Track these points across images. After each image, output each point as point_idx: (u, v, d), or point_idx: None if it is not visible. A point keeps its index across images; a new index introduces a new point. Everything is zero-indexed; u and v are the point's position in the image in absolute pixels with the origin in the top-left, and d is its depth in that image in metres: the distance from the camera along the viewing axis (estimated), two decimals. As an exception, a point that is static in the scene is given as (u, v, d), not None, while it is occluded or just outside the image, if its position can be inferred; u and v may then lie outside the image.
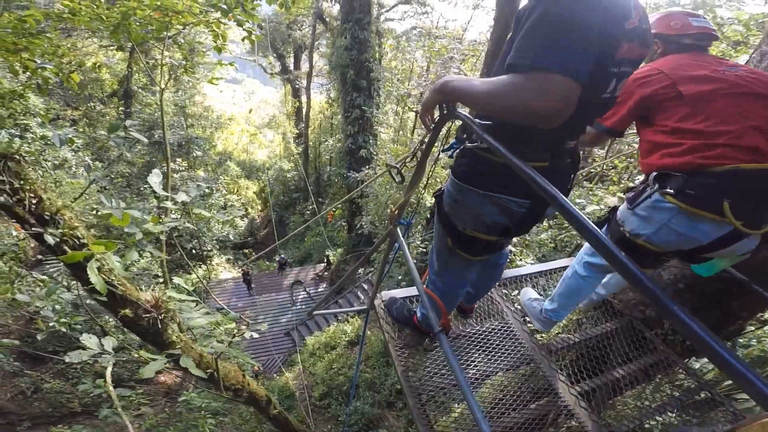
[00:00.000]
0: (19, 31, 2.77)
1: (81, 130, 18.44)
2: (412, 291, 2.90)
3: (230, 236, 20.64)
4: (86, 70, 17.80)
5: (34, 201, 3.35)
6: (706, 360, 2.79)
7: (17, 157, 3.28)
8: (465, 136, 1.45)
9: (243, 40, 3.40)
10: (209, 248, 18.96)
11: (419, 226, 9.45)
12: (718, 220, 1.42)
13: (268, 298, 16.01)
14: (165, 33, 3.62)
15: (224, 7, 3.20)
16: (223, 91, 29.01)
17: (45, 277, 6.27)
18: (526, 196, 1.35)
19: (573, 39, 0.94)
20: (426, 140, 1.49)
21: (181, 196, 3.36)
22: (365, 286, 13.51)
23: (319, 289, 16.34)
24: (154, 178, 3.11)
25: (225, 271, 19.54)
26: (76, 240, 3.38)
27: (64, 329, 3.43)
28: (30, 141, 14.19)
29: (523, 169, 0.94)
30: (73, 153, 16.07)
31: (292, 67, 25.56)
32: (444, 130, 1.46)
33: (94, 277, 2.55)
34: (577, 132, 1.36)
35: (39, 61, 2.59)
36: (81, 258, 2.86)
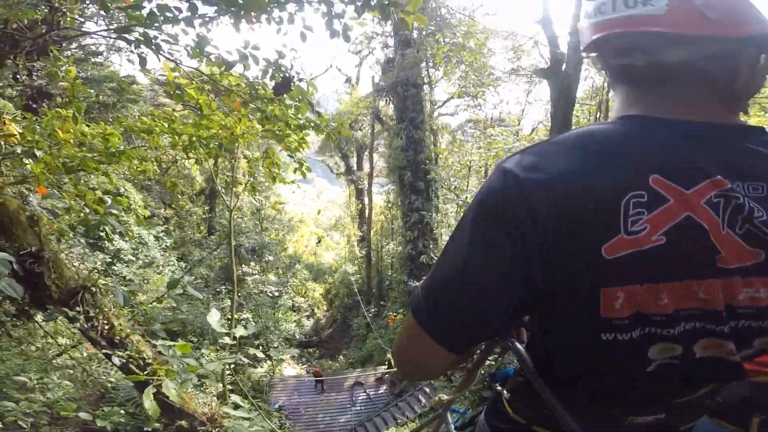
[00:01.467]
0: (102, 152, 3.09)
1: (171, 228, 20.51)
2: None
3: (296, 335, 21.11)
4: (180, 167, 19.97)
5: (106, 327, 3.70)
6: None
7: (93, 288, 3.67)
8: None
9: (294, 171, 3.65)
10: (276, 345, 19.37)
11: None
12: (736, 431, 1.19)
13: (329, 397, 15.65)
14: (236, 148, 4.01)
15: (278, 133, 3.40)
16: (295, 191, 31.44)
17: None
18: None
19: (457, 289, 0.70)
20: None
21: (240, 331, 3.56)
22: (426, 389, 13.19)
23: (380, 391, 15.74)
24: (214, 318, 3.33)
25: (289, 367, 19.63)
26: (141, 361, 3.63)
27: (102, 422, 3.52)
28: (128, 239, 16.09)
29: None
30: (162, 252, 17.73)
31: (355, 167, 26.55)
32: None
33: (147, 403, 2.65)
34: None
35: (111, 199, 2.95)
36: (142, 379, 3.05)
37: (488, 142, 11.36)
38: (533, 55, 11.80)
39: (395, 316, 19.45)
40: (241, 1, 2.27)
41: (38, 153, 2.36)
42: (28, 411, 3.27)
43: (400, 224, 17.57)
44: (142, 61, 2.36)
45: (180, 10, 2.23)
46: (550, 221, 0.61)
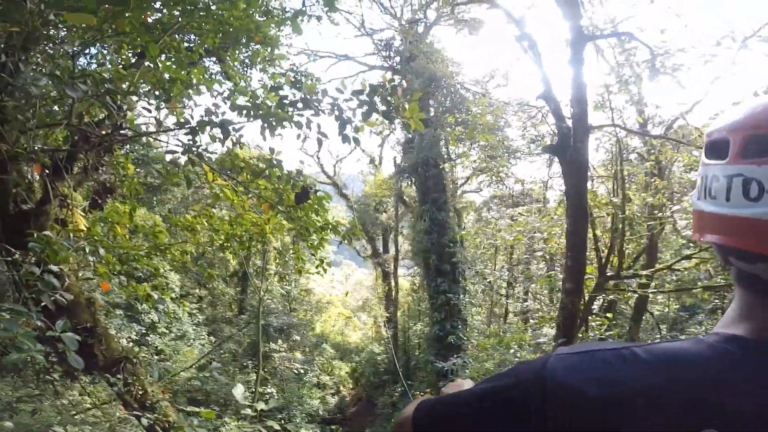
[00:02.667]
0: (151, 247, 3.62)
1: (205, 306, 21.26)
2: None
3: (320, 411, 20.62)
4: (215, 250, 20.99)
5: (140, 392, 4.11)
6: None
7: (134, 360, 4.13)
8: None
9: (316, 267, 4.08)
10: (297, 420, 18.89)
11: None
12: None
13: None
14: (263, 246, 4.51)
15: (302, 232, 3.85)
16: (323, 275, 31.82)
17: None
18: None
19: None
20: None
21: (261, 405, 3.86)
22: None
23: None
24: (238, 391, 3.67)
25: (311, 445, 18.82)
26: (167, 423, 3.97)
27: None
28: (164, 314, 16.88)
29: None
30: (194, 327, 18.31)
31: (381, 249, 26.42)
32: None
33: None
34: None
35: (158, 294, 3.43)
36: None
37: (509, 225, 11.33)
38: (546, 127, 11.64)
39: (421, 395, 18.58)
40: (270, 117, 2.86)
41: (101, 251, 2.90)
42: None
43: (427, 305, 17.12)
44: (189, 183, 2.95)
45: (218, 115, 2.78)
46: None
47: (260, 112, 2.67)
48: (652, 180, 8.16)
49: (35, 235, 2.50)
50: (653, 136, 8.31)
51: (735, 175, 0.59)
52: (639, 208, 8.38)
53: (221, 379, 3.37)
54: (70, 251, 2.59)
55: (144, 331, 14.89)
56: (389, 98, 2.87)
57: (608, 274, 6.86)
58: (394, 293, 23.87)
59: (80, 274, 3.61)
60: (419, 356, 20.98)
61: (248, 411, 3.39)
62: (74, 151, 3.43)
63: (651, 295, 9.53)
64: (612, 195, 8.09)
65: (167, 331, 16.13)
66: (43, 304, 2.66)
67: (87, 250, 2.85)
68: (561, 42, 7.99)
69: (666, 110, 9.56)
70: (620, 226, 7.31)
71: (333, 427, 21.55)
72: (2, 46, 2.63)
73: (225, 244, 3.65)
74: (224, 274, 22.54)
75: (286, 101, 2.79)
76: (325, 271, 4.05)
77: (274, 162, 3.06)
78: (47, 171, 3.15)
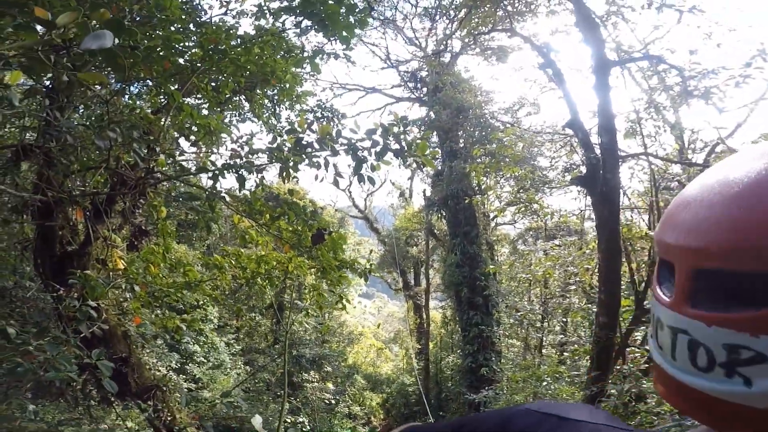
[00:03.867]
0: (182, 284, 3.80)
1: (242, 336, 21.76)
2: None
3: None
4: (251, 284, 21.80)
5: (169, 418, 4.26)
6: None
7: (164, 388, 4.31)
8: None
9: (336, 303, 4.21)
10: None
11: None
12: None
13: None
14: (292, 281, 4.63)
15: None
16: (356, 306, 31.93)
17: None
18: None
19: None
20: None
21: None
22: None
23: None
24: (257, 421, 3.76)
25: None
26: None
27: None
28: (202, 344, 17.43)
29: None
30: (231, 357, 18.72)
31: (412, 282, 26.33)
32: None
33: None
34: None
35: (186, 326, 3.61)
36: None
37: (539, 259, 10.97)
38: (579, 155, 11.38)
39: None
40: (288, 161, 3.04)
41: (137, 288, 3.13)
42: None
43: (459, 337, 16.70)
44: (209, 230, 3.16)
45: (239, 163, 2.97)
46: None
47: (277, 155, 2.83)
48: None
49: (77, 274, 2.72)
50: (685, 163, 7.98)
51: (679, 330, 0.44)
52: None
53: (243, 406, 3.45)
54: (107, 288, 2.80)
55: (183, 360, 15.42)
56: (401, 137, 2.97)
57: (646, 306, 6.58)
58: (425, 325, 23.59)
59: (124, 305, 3.86)
60: (451, 388, 20.49)
61: None
62: (113, 194, 3.74)
63: None
64: (649, 227, 7.74)
65: (205, 360, 16.62)
66: (83, 335, 2.88)
67: (124, 287, 3.06)
68: (587, 67, 7.75)
69: (706, 134, 9.04)
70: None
71: None
72: (44, 93, 2.92)
73: (250, 281, 3.83)
74: (261, 306, 23.11)
75: (303, 143, 2.94)
76: (344, 307, 4.16)
77: (292, 203, 3.21)
78: (89, 214, 3.37)
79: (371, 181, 3.23)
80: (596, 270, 7.06)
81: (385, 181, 23.37)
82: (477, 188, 16.57)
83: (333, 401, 21.02)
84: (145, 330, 2.91)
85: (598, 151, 6.53)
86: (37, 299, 3.50)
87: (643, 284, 6.96)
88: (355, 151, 3.07)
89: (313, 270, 3.89)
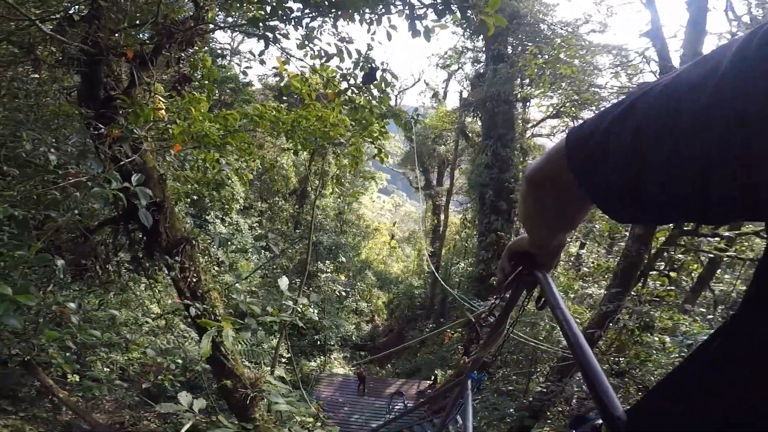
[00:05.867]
0: (222, 127, 3.77)
1: (264, 221, 22.59)
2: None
3: (353, 337, 21.92)
4: (279, 168, 22.12)
5: (194, 279, 4.29)
6: None
7: (194, 242, 4.28)
8: None
9: (374, 157, 4.09)
10: (332, 343, 20.32)
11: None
12: None
13: (367, 400, 15.92)
14: (327, 144, 4.48)
15: (364, 122, 3.81)
16: (375, 201, 32.42)
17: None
18: None
19: None
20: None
21: (303, 300, 4.03)
22: (458, 418, 12.74)
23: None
24: (283, 283, 3.85)
25: (339, 366, 20.34)
26: (213, 314, 4.18)
27: (168, 384, 4.06)
28: (227, 225, 18.21)
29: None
30: (253, 241, 19.57)
31: (435, 182, 26.37)
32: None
33: (205, 342, 3.16)
34: None
35: (225, 160, 3.56)
36: (209, 326, 3.59)
37: None
38: (643, 73, 10.51)
39: (452, 334, 19.25)
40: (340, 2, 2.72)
41: (177, 121, 3.01)
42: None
43: (475, 243, 16.97)
44: (266, 42, 2.91)
45: (291, 10, 2.73)
46: None
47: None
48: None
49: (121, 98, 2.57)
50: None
51: None
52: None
53: (274, 249, 3.51)
54: (150, 108, 2.69)
55: (209, 242, 16.34)
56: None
57: (685, 227, 6.29)
58: (442, 228, 23.89)
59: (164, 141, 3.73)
60: (457, 294, 21.35)
61: (289, 303, 3.54)
62: (159, 44, 3.66)
63: (717, 273, 8.81)
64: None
65: (230, 244, 17.39)
66: (122, 164, 2.82)
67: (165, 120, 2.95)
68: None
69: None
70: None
71: (362, 353, 23.10)
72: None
73: (291, 130, 3.65)
74: (285, 191, 23.58)
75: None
76: (382, 160, 4.02)
77: (344, 48, 2.94)
78: (135, 63, 3.36)
79: (427, 37, 2.92)
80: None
81: (418, 80, 22.50)
82: (520, 93, 15.92)
83: (344, 293, 22.32)
84: (184, 156, 2.84)
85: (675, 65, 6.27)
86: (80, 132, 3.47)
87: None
88: (412, 9, 2.76)
89: (354, 125, 3.66)
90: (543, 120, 17.69)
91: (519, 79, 16.09)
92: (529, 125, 18.48)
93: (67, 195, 2.38)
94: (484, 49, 18.02)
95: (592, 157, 0.50)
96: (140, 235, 4.04)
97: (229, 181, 14.30)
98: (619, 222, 0.61)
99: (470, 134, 21.10)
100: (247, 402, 4.02)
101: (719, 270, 9.19)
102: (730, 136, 0.35)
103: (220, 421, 2.58)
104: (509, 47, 16.51)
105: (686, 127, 0.38)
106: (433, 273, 22.56)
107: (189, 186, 4.86)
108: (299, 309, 3.90)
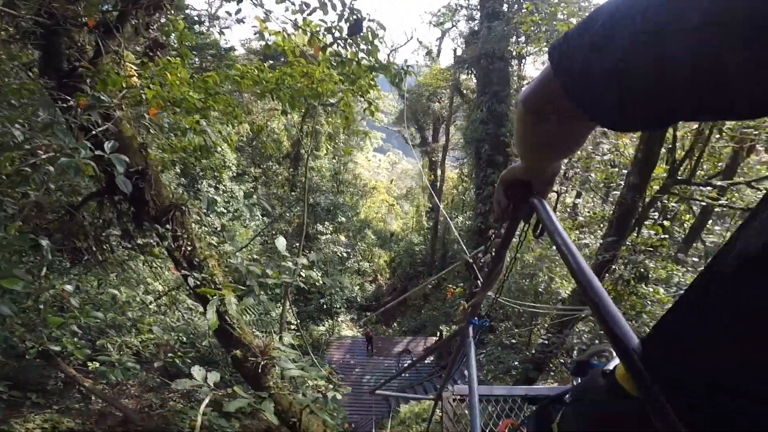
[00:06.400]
0: (202, 90, 3.55)
1: (259, 187, 22.36)
2: (494, 389, 2.87)
3: (358, 298, 22.28)
4: (270, 132, 21.70)
5: (189, 248, 4.17)
6: None
7: (183, 208, 4.14)
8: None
9: (364, 111, 3.93)
10: (338, 306, 20.63)
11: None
12: None
13: (377, 360, 16.43)
14: (316, 102, 4.24)
15: (352, 76, 3.62)
16: (371, 160, 32.15)
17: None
18: None
19: None
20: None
21: (302, 260, 3.97)
22: (466, 371, 13.15)
23: (426, 361, 16.29)
24: (281, 243, 3.79)
25: (347, 328, 20.79)
26: (213, 284, 4.11)
27: (179, 361, 4.06)
28: (221, 192, 17.94)
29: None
30: (249, 208, 19.40)
31: (430, 139, 26.43)
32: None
33: (210, 313, 3.13)
34: None
35: (206, 122, 3.39)
36: (210, 295, 3.54)
37: None
38: None
39: (454, 289, 19.65)
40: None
41: (151, 86, 2.82)
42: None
43: (473, 197, 17.18)
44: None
45: None
46: None
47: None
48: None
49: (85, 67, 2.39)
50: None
51: None
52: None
53: (267, 207, 3.43)
54: (121, 77, 2.52)
55: (204, 211, 16.14)
56: None
57: (679, 177, 6.26)
58: (439, 183, 23.94)
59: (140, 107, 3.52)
60: (457, 249, 21.62)
61: (289, 264, 3.48)
62: (124, 11, 3.45)
63: (708, 224, 8.89)
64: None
65: (225, 211, 17.18)
66: (93, 133, 2.67)
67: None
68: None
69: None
70: (709, 128, 6.40)
71: (368, 313, 23.60)
72: None
73: (276, 88, 3.45)
74: (278, 155, 23.25)
75: None
76: (372, 114, 3.87)
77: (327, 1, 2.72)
78: (98, 31, 3.18)
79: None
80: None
81: (411, 38, 21.91)
82: (515, 50, 15.83)
83: (345, 254, 22.45)
84: (161, 120, 2.70)
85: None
86: (44, 106, 3.28)
87: (684, 153, 6.54)
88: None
89: (342, 80, 3.46)
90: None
91: (515, 37, 16.10)
92: (525, 81, 18.57)
93: (41, 171, 2.26)
94: (478, 6, 17.75)
95: (583, 74, 0.47)
96: (127, 206, 3.92)
97: (219, 148, 14.01)
98: (622, 131, 0.55)
99: (465, 91, 21.06)
100: (259, 371, 4.05)
101: (710, 221, 9.32)
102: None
103: (236, 393, 2.59)
104: (505, 5, 16.49)
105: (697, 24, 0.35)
106: (431, 229, 22.54)
107: (174, 154, 4.65)
108: (300, 270, 3.86)
